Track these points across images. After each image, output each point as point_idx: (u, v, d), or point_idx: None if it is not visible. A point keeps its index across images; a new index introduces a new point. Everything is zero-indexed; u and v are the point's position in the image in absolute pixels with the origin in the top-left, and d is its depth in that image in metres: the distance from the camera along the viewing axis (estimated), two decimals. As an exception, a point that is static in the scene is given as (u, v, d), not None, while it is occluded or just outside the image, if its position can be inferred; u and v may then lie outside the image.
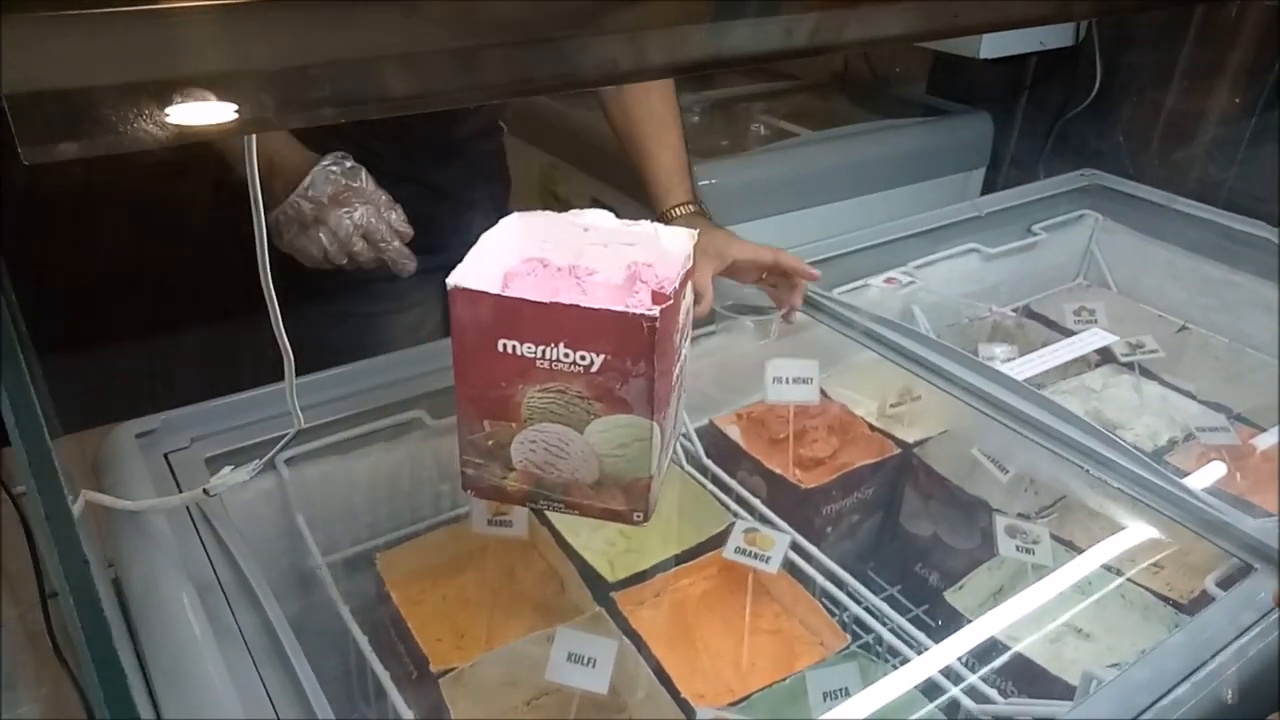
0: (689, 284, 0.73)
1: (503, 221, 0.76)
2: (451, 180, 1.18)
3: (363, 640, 0.77)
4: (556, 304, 0.64)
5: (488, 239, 0.74)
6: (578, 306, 0.64)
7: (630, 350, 0.64)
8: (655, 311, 0.63)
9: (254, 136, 0.49)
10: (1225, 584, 0.76)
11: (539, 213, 0.78)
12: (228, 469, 0.68)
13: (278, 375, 0.67)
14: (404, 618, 0.82)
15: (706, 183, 1.52)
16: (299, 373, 0.67)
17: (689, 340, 0.78)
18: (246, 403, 0.84)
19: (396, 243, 0.95)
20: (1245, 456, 1.07)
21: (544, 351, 0.65)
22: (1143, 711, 0.61)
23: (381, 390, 0.88)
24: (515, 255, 0.78)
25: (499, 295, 0.65)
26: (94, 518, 0.68)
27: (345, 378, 0.87)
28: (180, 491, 0.76)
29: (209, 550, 0.72)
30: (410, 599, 0.86)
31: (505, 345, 0.66)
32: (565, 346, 0.65)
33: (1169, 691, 0.64)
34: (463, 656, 0.79)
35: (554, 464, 0.71)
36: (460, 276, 0.66)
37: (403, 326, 1.17)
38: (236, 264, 0.65)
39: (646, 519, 0.72)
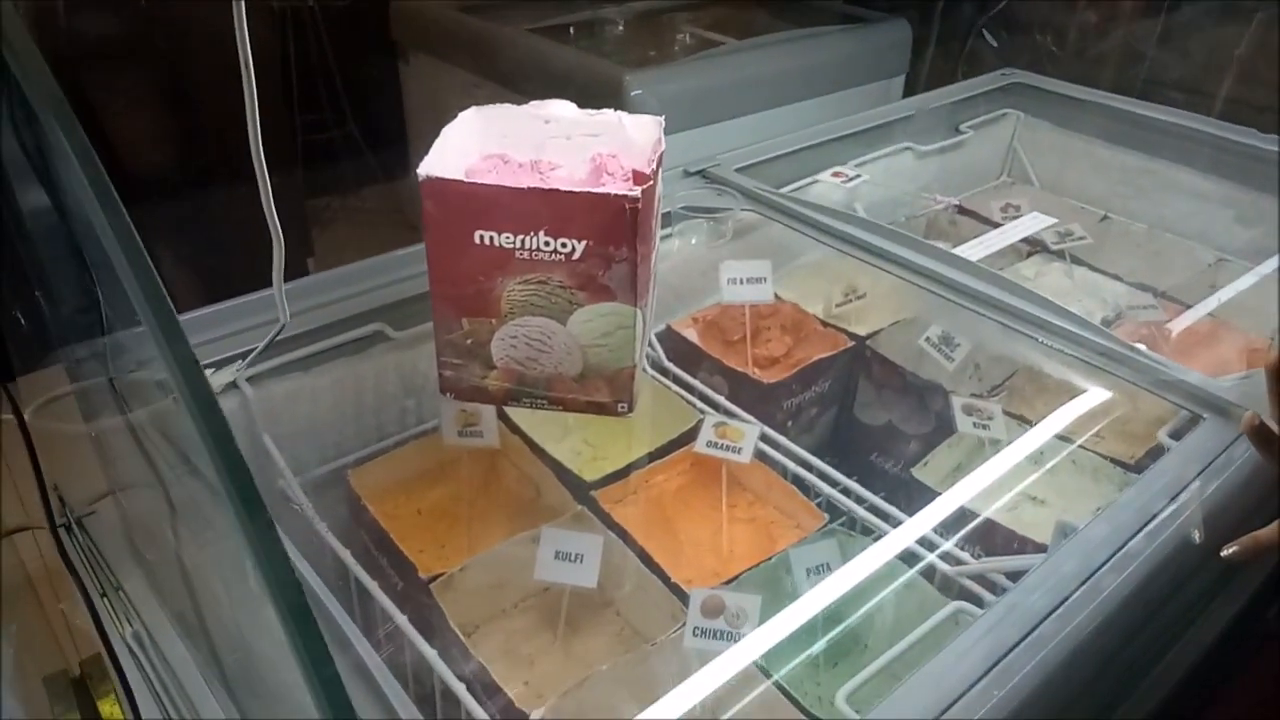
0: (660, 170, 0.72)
1: (461, 115, 0.74)
2: None
3: (345, 553, 0.75)
4: (535, 189, 0.63)
5: (449, 132, 0.71)
6: (557, 191, 0.63)
7: (613, 235, 0.63)
8: (636, 192, 0.62)
9: None
10: (1177, 436, 0.80)
11: (498, 106, 0.75)
12: (207, 373, 0.65)
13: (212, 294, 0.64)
14: (385, 530, 0.80)
15: (637, 93, 1.50)
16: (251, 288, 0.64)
17: (657, 230, 0.77)
18: (196, 321, 0.80)
19: None
20: (1173, 330, 1.13)
21: (523, 241, 0.64)
22: (1121, 546, 0.65)
23: (340, 304, 0.85)
24: (475, 152, 0.75)
25: (475, 184, 0.63)
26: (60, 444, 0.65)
27: (301, 290, 0.84)
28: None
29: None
30: (386, 513, 0.84)
31: (482, 237, 0.64)
32: (545, 234, 0.64)
33: (1134, 535, 0.68)
34: (447, 565, 0.79)
35: (536, 359, 0.70)
36: (431, 166, 0.64)
37: None
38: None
39: (631, 409, 0.72)
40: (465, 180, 0.63)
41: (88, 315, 0.57)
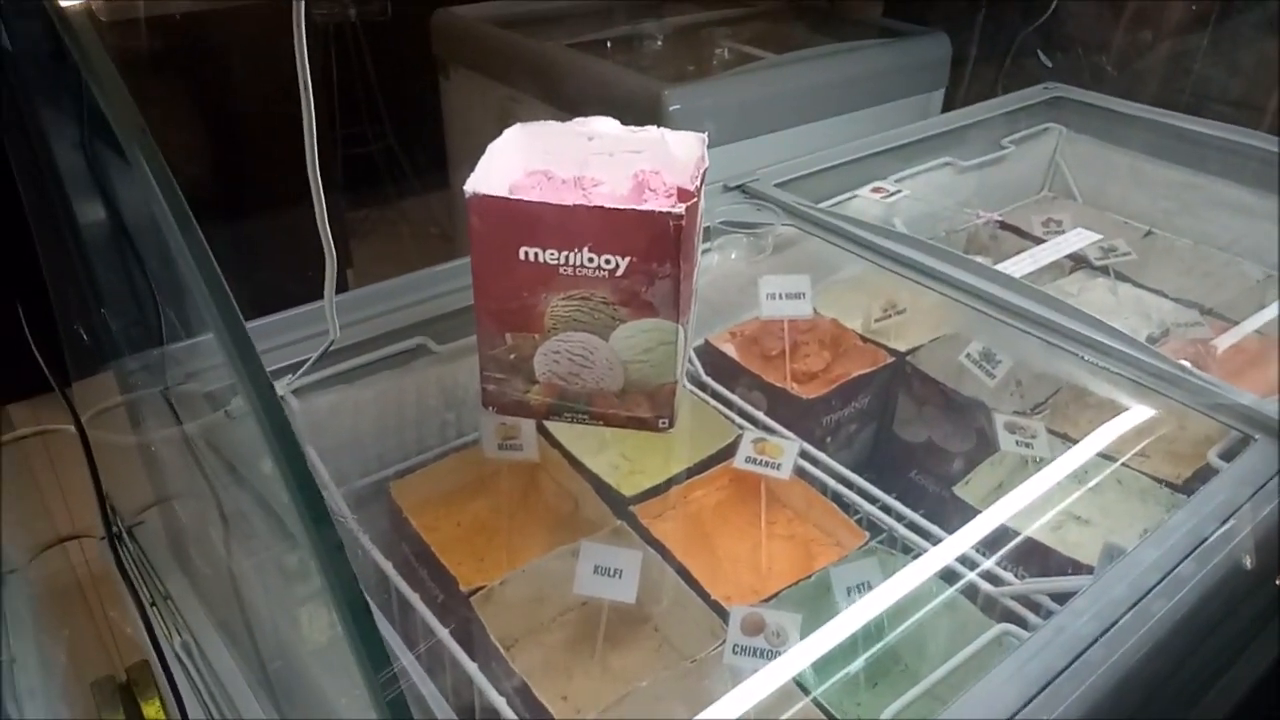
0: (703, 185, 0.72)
1: (507, 132, 0.75)
2: None
3: (387, 565, 0.76)
4: (580, 207, 0.63)
5: (494, 149, 0.72)
6: (602, 208, 0.63)
7: (656, 251, 0.64)
8: (681, 210, 0.62)
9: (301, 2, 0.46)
10: (1226, 457, 0.79)
11: (542, 123, 0.76)
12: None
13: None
14: (426, 543, 0.81)
15: (676, 108, 1.51)
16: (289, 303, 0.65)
17: (700, 245, 0.77)
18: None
19: None
20: (1219, 347, 1.11)
21: (567, 257, 0.64)
22: (1171, 570, 0.64)
23: (384, 317, 0.86)
24: (519, 168, 0.76)
25: (520, 200, 0.63)
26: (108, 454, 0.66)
27: (345, 304, 0.85)
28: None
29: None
30: (427, 525, 0.85)
31: (527, 253, 0.65)
32: (590, 251, 0.64)
33: (1185, 558, 0.67)
34: (487, 578, 0.79)
35: (578, 374, 0.70)
36: (477, 183, 0.64)
37: None
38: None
39: (672, 425, 0.72)
40: (511, 197, 0.63)
41: (142, 327, 0.58)
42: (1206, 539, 0.68)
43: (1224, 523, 0.69)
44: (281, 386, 0.66)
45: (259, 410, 0.37)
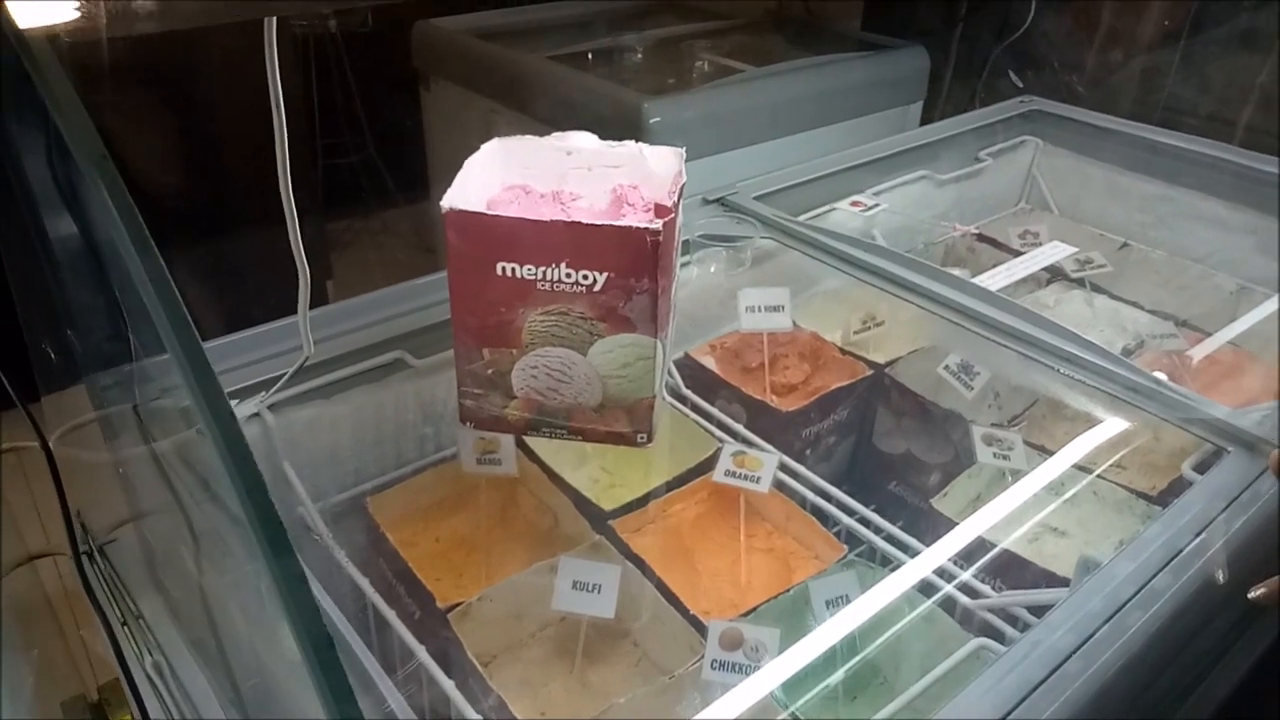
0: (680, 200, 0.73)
1: (484, 147, 0.74)
2: None
3: (364, 582, 0.75)
4: (557, 222, 0.63)
5: (472, 163, 0.72)
6: (579, 224, 0.63)
7: (633, 266, 0.64)
8: (658, 225, 0.62)
9: (273, 20, 0.46)
10: (1200, 469, 0.80)
11: (521, 137, 0.76)
12: (232, 403, 0.65)
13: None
14: (403, 559, 0.80)
15: (655, 120, 1.51)
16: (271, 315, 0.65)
17: (679, 259, 0.77)
18: (219, 349, 0.81)
19: None
20: (1194, 359, 1.12)
21: (544, 272, 0.64)
22: (1146, 582, 0.64)
23: (361, 331, 0.86)
24: (497, 183, 0.76)
25: (497, 215, 0.63)
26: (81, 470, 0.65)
27: (322, 318, 0.84)
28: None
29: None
30: (404, 541, 0.84)
31: (504, 268, 0.65)
32: (567, 266, 0.64)
33: (1159, 571, 0.68)
34: (465, 594, 0.79)
35: (556, 389, 0.70)
36: (453, 199, 0.64)
37: None
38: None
39: (651, 440, 0.72)
40: (488, 213, 0.63)
41: (112, 343, 0.58)
42: (1181, 551, 0.68)
43: (1198, 535, 0.70)
44: (255, 403, 0.66)
45: (214, 431, 0.37)
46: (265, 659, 0.48)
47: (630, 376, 0.69)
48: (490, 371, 0.69)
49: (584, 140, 0.76)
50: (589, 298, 0.65)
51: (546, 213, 0.70)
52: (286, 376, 0.69)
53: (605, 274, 0.64)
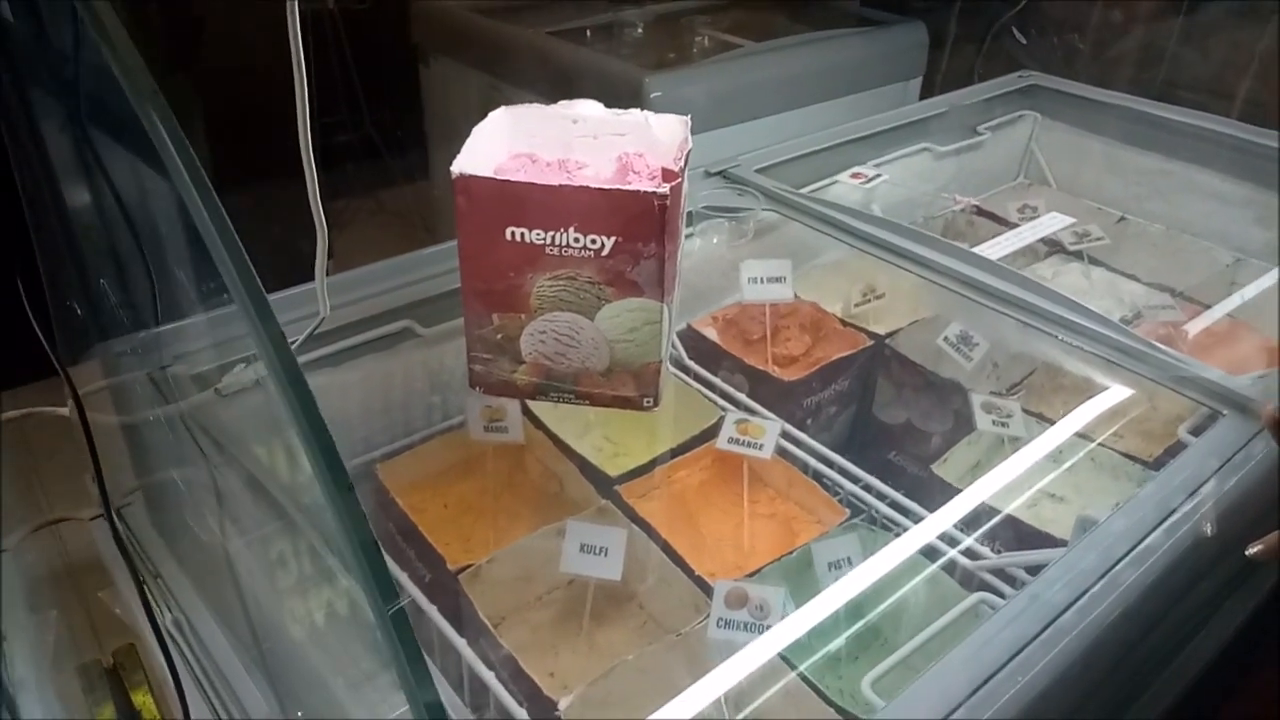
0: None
1: (492, 115, 0.75)
2: None
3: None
4: (565, 187, 0.64)
5: (479, 131, 0.73)
6: (587, 188, 0.64)
7: (642, 231, 0.65)
8: (665, 189, 0.63)
9: None
10: (1196, 433, 0.81)
11: (527, 105, 0.77)
12: (240, 366, 0.66)
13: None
14: (414, 523, 0.82)
15: (656, 95, 1.52)
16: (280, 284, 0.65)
17: (684, 229, 0.78)
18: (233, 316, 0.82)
19: None
20: (1191, 330, 1.13)
21: (553, 237, 0.65)
22: (1141, 540, 0.66)
23: (369, 300, 0.87)
24: (504, 151, 0.77)
25: (506, 180, 0.64)
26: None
27: (331, 288, 0.84)
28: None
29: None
30: (414, 506, 0.86)
31: (513, 233, 0.66)
32: (575, 231, 0.65)
33: (1154, 529, 0.69)
34: (474, 557, 0.80)
35: (564, 354, 0.71)
36: (463, 164, 0.65)
37: None
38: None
39: (657, 404, 0.73)
40: (497, 177, 0.64)
41: (132, 310, 0.59)
42: (1174, 511, 0.70)
43: (1192, 495, 0.71)
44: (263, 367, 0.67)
45: (278, 373, 0.38)
46: (288, 620, 0.49)
47: (637, 341, 0.70)
48: (500, 337, 0.70)
49: (590, 108, 0.77)
50: (597, 262, 0.66)
51: (554, 179, 0.71)
52: (302, 338, 0.70)
53: (613, 238, 0.65)
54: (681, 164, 0.67)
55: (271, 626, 0.55)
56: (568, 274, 0.67)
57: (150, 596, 0.64)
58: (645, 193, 0.63)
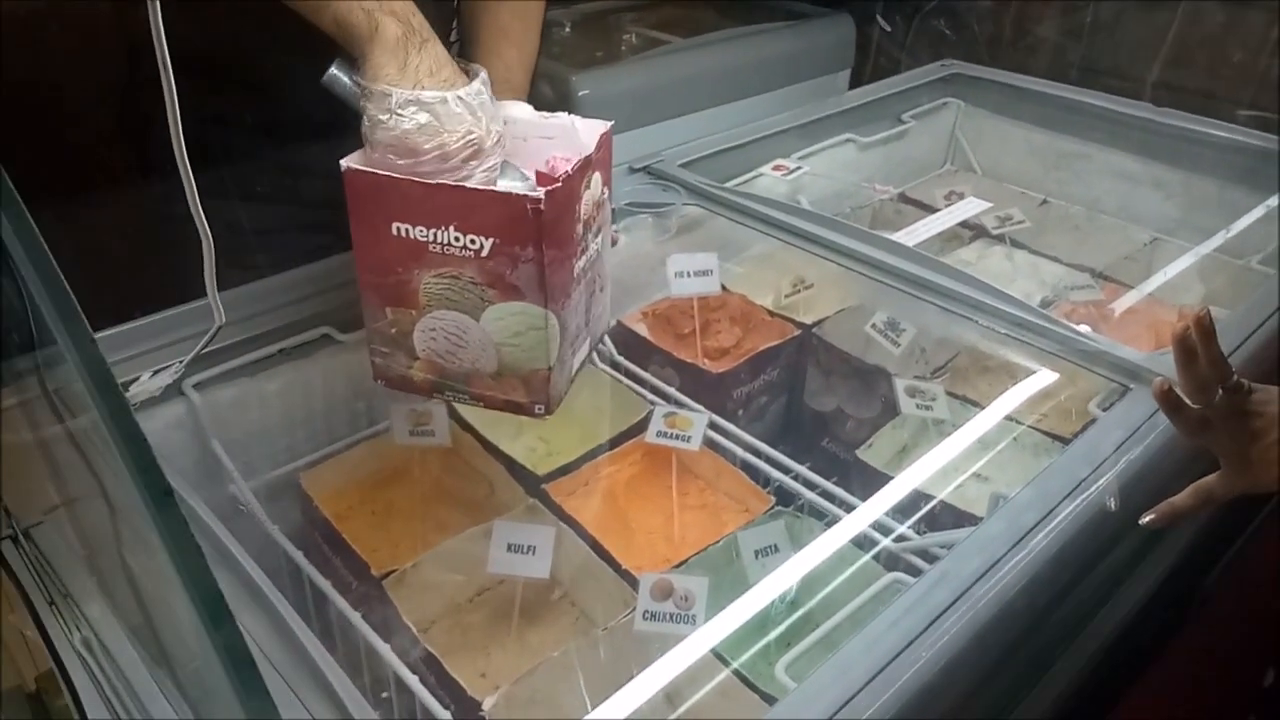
0: (598, 175, 0.73)
1: None
2: None
3: (297, 554, 0.76)
4: (443, 185, 0.64)
5: None
6: (463, 188, 0.63)
7: (517, 234, 0.64)
8: (540, 194, 0.63)
9: None
10: (1105, 408, 0.83)
11: None
12: (146, 374, 0.65)
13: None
14: (337, 530, 0.81)
15: (585, 93, 1.52)
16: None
17: (604, 235, 0.77)
18: (138, 330, 0.80)
19: None
20: (1111, 309, 1.16)
21: (435, 235, 0.65)
22: (1049, 512, 0.67)
23: (285, 308, 0.86)
24: None
25: (387, 176, 0.64)
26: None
27: (246, 296, 0.84)
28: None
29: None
30: (339, 514, 0.85)
31: (398, 229, 0.65)
32: (455, 230, 0.64)
33: (1061, 501, 0.71)
34: (400, 562, 0.80)
35: (454, 353, 0.70)
36: (353, 157, 0.65)
37: None
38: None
39: (549, 412, 0.72)
40: (380, 173, 0.64)
41: (23, 327, 0.57)
42: (1082, 482, 0.72)
43: (1096, 467, 0.73)
44: (169, 374, 0.66)
45: (84, 375, 0.37)
46: (184, 626, 0.48)
47: (523, 346, 0.69)
48: (394, 331, 0.70)
49: (519, 110, 0.76)
50: (477, 263, 0.65)
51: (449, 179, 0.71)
52: (200, 346, 0.69)
53: (491, 240, 0.64)
54: (569, 170, 0.66)
55: (175, 637, 0.54)
56: (451, 272, 0.66)
57: (59, 618, 0.63)
58: (518, 196, 0.63)
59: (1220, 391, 0.65)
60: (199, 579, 0.37)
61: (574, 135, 0.75)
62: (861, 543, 0.81)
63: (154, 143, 0.62)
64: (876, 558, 0.81)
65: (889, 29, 1.71)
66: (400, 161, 0.63)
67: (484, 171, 0.66)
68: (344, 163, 0.63)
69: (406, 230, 0.64)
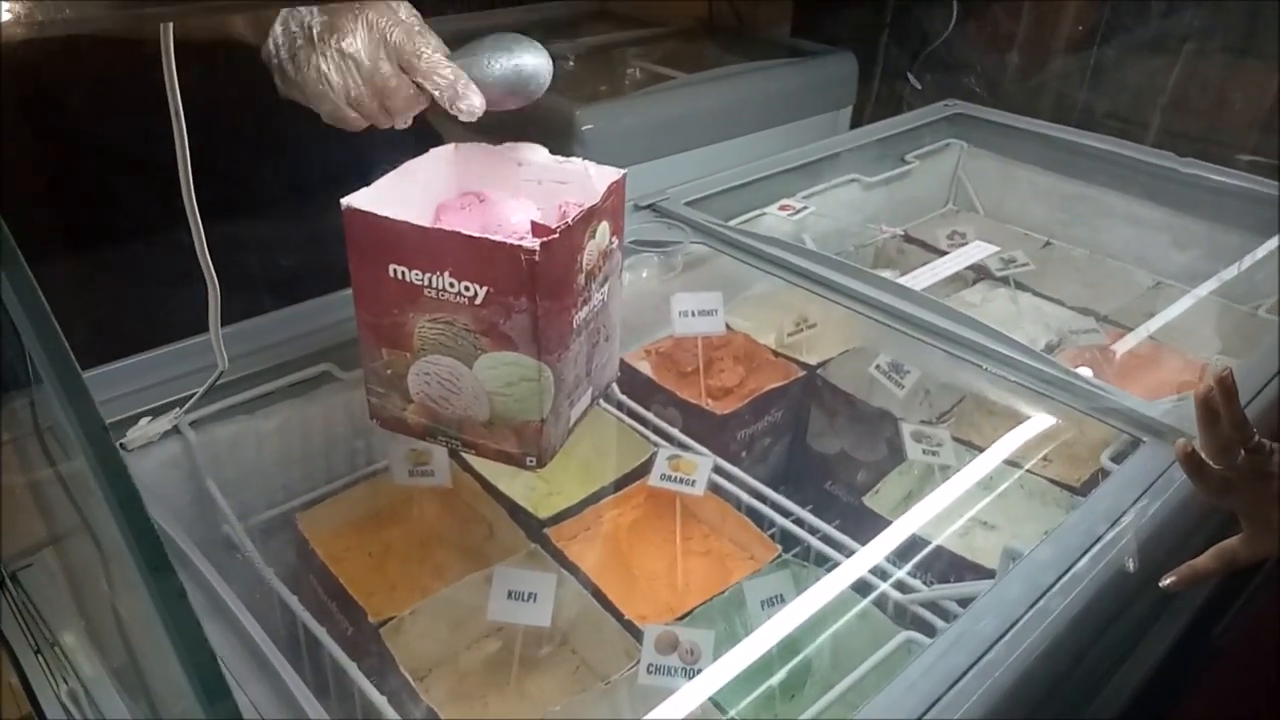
0: (606, 224, 0.71)
1: (434, 151, 0.74)
2: None
3: (292, 599, 0.74)
4: (439, 230, 0.63)
5: (411, 167, 0.71)
6: (459, 234, 0.62)
7: (511, 284, 0.62)
8: (534, 245, 0.61)
9: (169, 25, 0.45)
10: (1118, 459, 0.82)
11: (475, 144, 0.76)
12: (145, 420, 0.63)
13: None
14: (333, 574, 0.79)
15: (588, 127, 1.51)
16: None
17: (612, 284, 0.76)
18: (137, 366, 0.79)
19: (447, 69, 0.75)
20: (1115, 353, 1.16)
21: (430, 279, 0.64)
22: (1067, 570, 0.66)
23: (286, 345, 0.84)
24: (453, 188, 0.76)
25: (384, 218, 0.63)
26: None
27: (246, 333, 0.83)
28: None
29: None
30: (335, 556, 0.83)
31: (395, 270, 0.64)
32: (450, 276, 0.63)
33: (1079, 558, 0.69)
34: (398, 608, 0.78)
35: (447, 399, 0.69)
36: (355, 197, 0.64)
37: None
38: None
39: (541, 464, 0.70)
40: (378, 214, 0.63)
41: (12, 367, 0.56)
42: (1099, 539, 0.70)
43: (1114, 524, 0.72)
44: (169, 419, 0.64)
45: (77, 429, 0.35)
46: (171, 677, 0.46)
47: (515, 396, 0.67)
48: (389, 372, 0.68)
49: (534, 154, 0.75)
50: (471, 310, 0.63)
51: (457, 221, 0.69)
52: (201, 392, 0.67)
53: (485, 288, 0.62)
54: (569, 221, 0.64)
55: (163, 691, 0.52)
56: (445, 318, 0.65)
57: (44, 666, 0.60)
58: (511, 245, 0.61)
59: (1243, 453, 0.63)
60: (197, 655, 0.35)
61: (588, 181, 0.74)
62: (869, 593, 0.79)
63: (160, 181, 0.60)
64: (885, 609, 0.79)
65: (919, 87, 1.72)
66: None
67: None
68: (344, 202, 0.62)
69: (403, 273, 0.63)
